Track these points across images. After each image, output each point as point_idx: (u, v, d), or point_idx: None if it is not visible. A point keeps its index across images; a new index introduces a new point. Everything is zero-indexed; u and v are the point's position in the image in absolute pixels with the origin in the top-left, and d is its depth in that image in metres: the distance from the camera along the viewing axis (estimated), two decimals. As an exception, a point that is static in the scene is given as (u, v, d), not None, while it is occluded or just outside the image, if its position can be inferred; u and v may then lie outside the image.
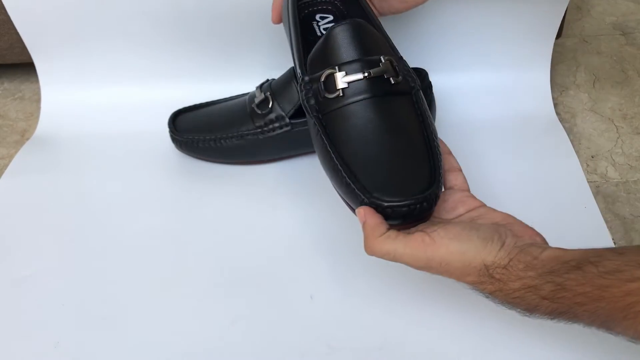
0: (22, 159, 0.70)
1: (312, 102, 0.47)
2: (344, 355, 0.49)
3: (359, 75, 0.45)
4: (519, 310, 0.39)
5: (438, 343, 0.49)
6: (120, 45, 0.73)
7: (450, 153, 0.48)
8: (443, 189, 0.45)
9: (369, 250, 0.42)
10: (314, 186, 0.64)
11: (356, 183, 0.43)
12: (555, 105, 0.74)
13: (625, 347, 0.44)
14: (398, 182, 0.42)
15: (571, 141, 0.68)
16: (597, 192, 0.63)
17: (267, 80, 0.66)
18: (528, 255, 0.38)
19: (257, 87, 0.65)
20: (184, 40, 0.72)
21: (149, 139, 0.70)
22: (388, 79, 0.46)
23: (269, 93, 0.63)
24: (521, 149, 0.67)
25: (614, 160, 0.68)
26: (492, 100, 0.73)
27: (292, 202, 0.62)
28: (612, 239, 0.57)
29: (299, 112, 0.63)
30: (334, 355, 0.49)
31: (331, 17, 0.58)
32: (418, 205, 0.41)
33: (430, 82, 0.65)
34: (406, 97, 0.47)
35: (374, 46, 0.47)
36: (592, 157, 0.68)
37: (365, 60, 0.46)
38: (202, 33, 0.71)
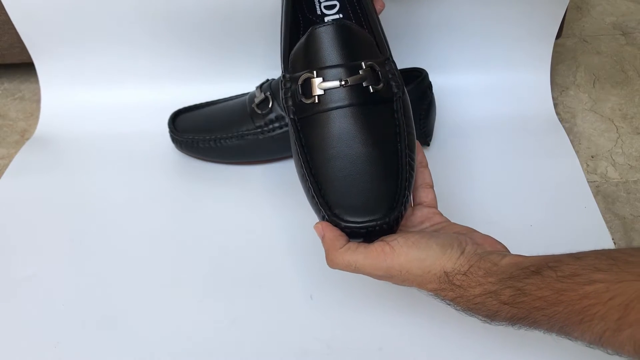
0: (22, 159, 0.70)
1: (290, 103, 0.46)
2: (344, 355, 0.49)
3: (336, 83, 0.44)
4: (479, 317, 0.39)
5: (438, 343, 0.49)
6: (120, 46, 0.73)
7: (426, 166, 0.48)
8: (412, 204, 0.46)
9: (330, 263, 0.42)
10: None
11: (319, 197, 0.43)
12: (555, 105, 0.74)
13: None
14: (361, 201, 0.42)
15: (571, 141, 0.68)
16: (597, 192, 0.63)
17: (267, 80, 0.66)
18: (488, 262, 0.39)
19: (257, 87, 0.65)
20: (184, 41, 0.72)
21: (149, 139, 0.70)
22: (367, 87, 0.44)
23: (269, 93, 0.63)
24: (521, 149, 0.67)
25: (614, 160, 0.68)
26: (492, 100, 0.73)
27: (292, 202, 0.62)
28: (612, 239, 0.57)
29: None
30: (334, 355, 0.49)
31: (338, 6, 0.56)
32: (377, 228, 0.41)
33: (430, 82, 0.65)
34: (387, 105, 0.45)
35: (357, 50, 0.46)
36: (592, 157, 0.68)
37: (344, 67, 0.44)
38: (202, 33, 0.71)
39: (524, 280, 0.36)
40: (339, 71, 0.44)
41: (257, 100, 0.63)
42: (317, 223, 0.43)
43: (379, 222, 0.41)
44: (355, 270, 0.41)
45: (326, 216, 0.42)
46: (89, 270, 0.57)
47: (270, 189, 0.64)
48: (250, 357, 0.49)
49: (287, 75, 0.47)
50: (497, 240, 0.42)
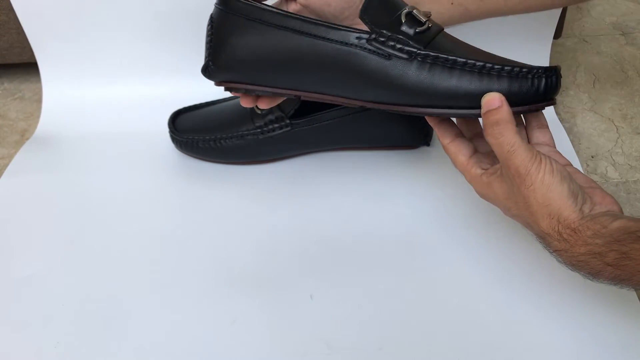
0: (22, 159, 0.70)
1: (408, 42, 0.44)
2: (344, 355, 0.49)
3: (422, 18, 0.45)
4: (582, 273, 0.41)
5: (438, 343, 0.49)
6: (121, 46, 0.73)
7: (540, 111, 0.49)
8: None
9: (504, 133, 0.42)
10: (314, 186, 0.64)
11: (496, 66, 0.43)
12: (555, 105, 0.74)
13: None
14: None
15: (571, 141, 0.68)
16: (597, 192, 0.63)
17: (267, 80, 0.66)
18: (598, 223, 0.39)
19: (257, 87, 0.65)
20: (185, 41, 0.72)
21: (149, 139, 0.70)
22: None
23: (269, 93, 0.63)
24: (521, 149, 0.67)
25: (614, 160, 0.68)
26: (492, 100, 0.73)
27: (292, 202, 0.62)
28: (612, 239, 0.57)
29: (299, 112, 0.63)
30: (334, 355, 0.49)
31: None
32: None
33: (430, 82, 0.65)
34: None
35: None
36: (592, 157, 0.68)
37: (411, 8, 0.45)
38: (203, 33, 0.71)
39: (629, 244, 0.37)
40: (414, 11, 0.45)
41: (257, 100, 0.63)
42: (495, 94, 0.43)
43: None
44: (508, 154, 0.41)
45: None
46: (89, 270, 0.57)
47: (270, 189, 0.64)
48: (250, 357, 0.49)
49: (384, 31, 0.44)
50: (615, 201, 0.43)
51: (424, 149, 0.68)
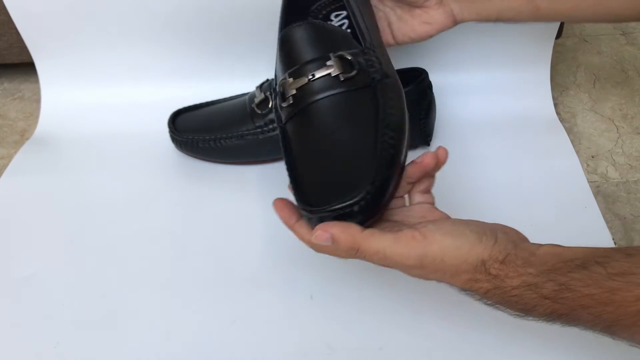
0: (22, 159, 0.70)
1: (277, 113, 0.47)
2: (344, 355, 0.49)
3: (304, 80, 0.44)
4: (513, 311, 0.37)
5: (438, 343, 0.49)
6: (120, 46, 0.73)
7: (432, 176, 0.45)
8: (409, 202, 0.44)
9: (356, 252, 0.38)
10: (314, 186, 0.64)
11: (299, 193, 0.43)
12: (555, 105, 0.74)
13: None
14: (339, 181, 0.41)
15: (571, 141, 0.68)
16: (597, 192, 0.63)
17: (267, 80, 0.66)
18: (524, 250, 0.36)
19: (257, 87, 0.65)
20: (184, 41, 0.72)
21: (149, 139, 0.70)
22: (337, 76, 0.44)
23: (269, 93, 0.63)
24: (521, 149, 0.67)
25: (614, 160, 0.67)
26: (492, 100, 0.73)
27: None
28: (613, 239, 0.57)
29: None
30: (334, 355, 0.49)
31: (344, 13, 0.57)
32: (362, 202, 0.38)
33: (430, 82, 0.65)
34: (366, 90, 0.44)
35: (327, 45, 0.45)
36: (592, 157, 0.68)
37: (312, 62, 0.44)
38: (202, 33, 0.71)
39: (568, 274, 0.34)
40: (308, 68, 0.44)
41: (257, 100, 0.63)
42: (316, 228, 0.39)
43: (360, 198, 0.38)
44: (384, 259, 0.38)
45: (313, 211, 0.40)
46: (89, 270, 0.57)
47: (270, 189, 0.64)
48: (250, 357, 0.49)
49: (273, 87, 0.47)
50: (519, 231, 0.40)
51: (424, 149, 0.68)
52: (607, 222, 0.59)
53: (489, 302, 0.38)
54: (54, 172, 0.68)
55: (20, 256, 0.58)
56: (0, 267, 0.57)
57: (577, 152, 0.67)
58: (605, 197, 0.63)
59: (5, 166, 0.69)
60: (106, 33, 0.71)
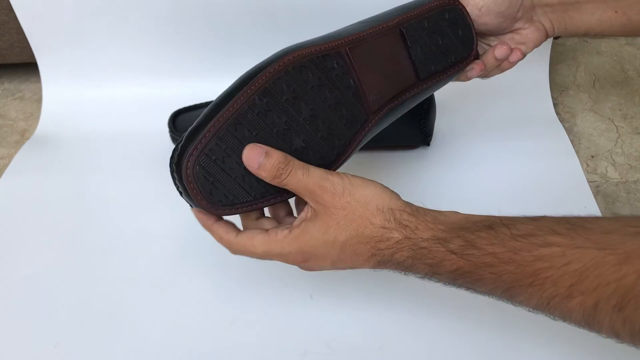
0: (22, 159, 0.70)
1: None
2: (344, 355, 0.49)
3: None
4: (418, 273, 0.38)
5: (438, 343, 0.49)
6: (121, 46, 0.73)
7: None
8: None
9: (283, 169, 0.39)
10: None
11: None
12: (555, 105, 0.74)
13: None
14: None
15: (571, 141, 0.68)
16: (597, 192, 0.63)
17: (267, 80, 0.66)
18: (433, 211, 0.37)
19: (257, 87, 0.65)
20: (184, 41, 0.72)
21: (149, 139, 0.70)
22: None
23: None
24: (521, 149, 0.67)
25: (614, 160, 0.68)
26: (492, 100, 0.73)
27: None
28: (612, 239, 0.57)
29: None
30: (334, 355, 0.49)
31: None
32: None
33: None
34: None
35: None
36: (592, 157, 0.68)
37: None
38: (203, 33, 0.71)
39: (475, 232, 0.35)
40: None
41: (257, 100, 0.63)
42: (246, 147, 0.39)
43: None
44: (305, 182, 0.38)
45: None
46: (89, 270, 0.57)
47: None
48: (250, 357, 0.49)
49: None
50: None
51: (424, 149, 0.68)
52: (607, 222, 0.59)
53: (400, 260, 0.38)
54: (54, 172, 0.68)
55: (20, 256, 0.58)
56: (0, 267, 0.57)
57: (577, 152, 0.67)
58: (605, 197, 0.63)
59: (5, 166, 0.69)
60: (108, 33, 0.71)
